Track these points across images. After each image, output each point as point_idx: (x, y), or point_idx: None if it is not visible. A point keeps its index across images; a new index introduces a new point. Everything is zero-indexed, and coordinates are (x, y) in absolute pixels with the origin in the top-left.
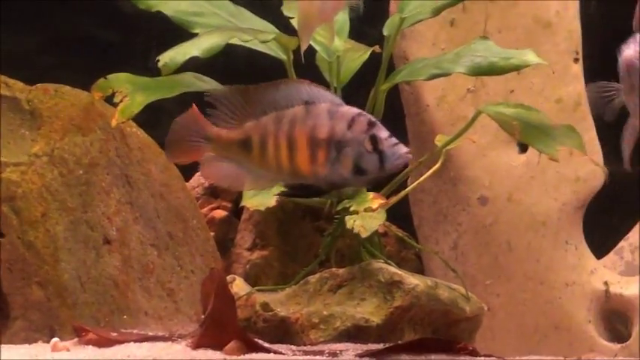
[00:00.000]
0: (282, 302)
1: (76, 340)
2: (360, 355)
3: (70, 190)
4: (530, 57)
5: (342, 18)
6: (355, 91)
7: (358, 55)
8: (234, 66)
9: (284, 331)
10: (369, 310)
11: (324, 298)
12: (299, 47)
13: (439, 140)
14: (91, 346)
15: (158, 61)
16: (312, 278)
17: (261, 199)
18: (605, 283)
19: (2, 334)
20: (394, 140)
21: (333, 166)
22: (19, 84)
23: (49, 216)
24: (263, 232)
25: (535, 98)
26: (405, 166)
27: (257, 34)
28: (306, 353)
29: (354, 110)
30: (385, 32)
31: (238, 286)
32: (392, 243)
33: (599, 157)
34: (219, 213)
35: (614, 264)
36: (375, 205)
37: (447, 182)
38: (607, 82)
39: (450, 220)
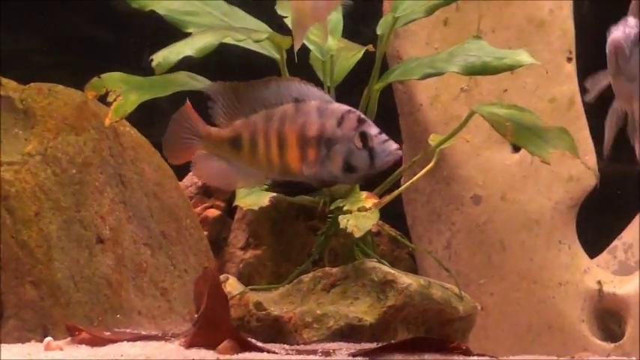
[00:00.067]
0: (275, 301)
1: (69, 339)
2: (354, 355)
3: (63, 189)
4: (523, 57)
5: (336, 17)
6: (349, 90)
7: (352, 54)
8: (228, 65)
9: (277, 331)
10: (362, 310)
11: (317, 297)
12: (292, 46)
13: (433, 139)
14: (84, 346)
15: (151, 60)
16: (306, 277)
17: (254, 198)
18: (599, 283)
19: None
20: (384, 137)
21: (324, 163)
22: (13, 83)
23: (43, 215)
24: (256, 232)
25: (528, 98)
26: (395, 162)
27: (250, 34)
28: (299, 352)
29: (344, 107)
30: (379, 31)
31: (232, 286)
32: (385, 242)
33: (592, 156)
34: (213, 212)
35: (607, 263)
36: (368, 204)
37: (441, 181)
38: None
39: (443, 219)
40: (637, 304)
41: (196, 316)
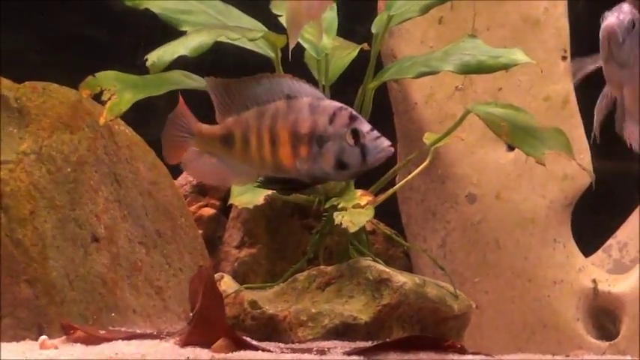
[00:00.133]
0: (270, 300)
1: (64, 337)
2: (349, 353)
3: (58, 187)
4: (519, 56)
5: (330, 16)
6: (343, 88)
7: (346, 52)
8: (223, 63)
9: (272, 329)
10: (357, 308)
11: (312, 295)
12: (287, 45)
13: (427, 138)
14: (79, 344)
15: (146, 60)
16: (301, 276)
17: (249, 197)
18: (594, 281)
19: None
20: (376, 134)
21: (315, 160)
22: (7, 82)
23: (38, 214)
24: (251, 230)
25: (523, 96)
26: (387, 159)
27: (245, 33)
28: (294, 351)
29: (336, 104)
30: (373, 30)
31: (226, 284)
32: (380, 241)
33: (587, 154)
34: (208, 211)
35: (602, 262)
36: (363, 201)
37: (436, 180)
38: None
39: (438, 217)
40: (632, 302)
41: (191, 314)
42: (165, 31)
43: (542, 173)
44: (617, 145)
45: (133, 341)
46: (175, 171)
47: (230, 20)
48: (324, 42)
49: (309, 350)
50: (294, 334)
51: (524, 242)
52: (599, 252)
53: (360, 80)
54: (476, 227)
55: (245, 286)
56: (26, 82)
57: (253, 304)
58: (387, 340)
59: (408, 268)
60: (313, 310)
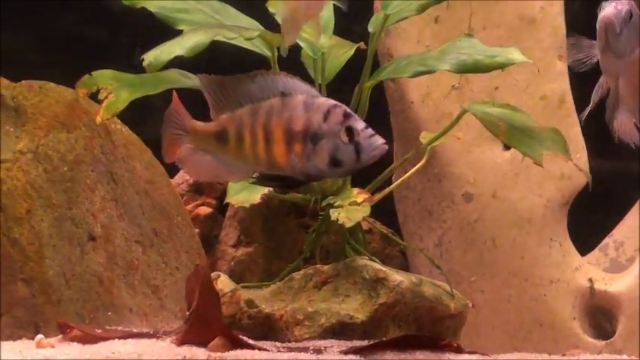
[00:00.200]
0: (266, 299)
1: (60, 336)
2: (345, 352)
3: (54, 186)
4: (515, 55)
5: (327, 15)
6: (340, 87)
7: (343, 51)
8: (220, 62)
9: (269, 328)
10: (353, 307)
11: (308, 294)
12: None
13: (424, 137)
14: (75, 343)
15: (142, 60)
16: (297, 275)
17: (245, 195)
18: (590, 280)
19: None
20: (370, 131)
21: (310, 157)
22: (4, 80)
23: (34, 213)
24: (248, 229)
25: (520, 95)
26: (382, 157)
27: (242, 32)
28: (290, 350)
29: (330, 102)
30: (370, 29)
31: (223, 283)
32: (376, 240)
33: (583, 153)
34: (204, 210)
35: (598, 261)
36: (359, 199)
37: (432, 179)
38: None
39: (434, 216)
40: (628, 301)
41: (188, 313)
42: (162, 30)
43: (538, 172)
44: (614, 144)
45: (130, 340)
46: (172, 170)
47: (226, 19)
48: (321, 41)
49: (305, 349)
50: (291, 333)
51: (520, 241)
52: (596, 251)
53: (356, 79)
54: (472, 226)
55: (241, 285)
56: (23, 81)
57: (250, 303)
58: (384, 339)
59: (405, 267)
60: (310, 309)
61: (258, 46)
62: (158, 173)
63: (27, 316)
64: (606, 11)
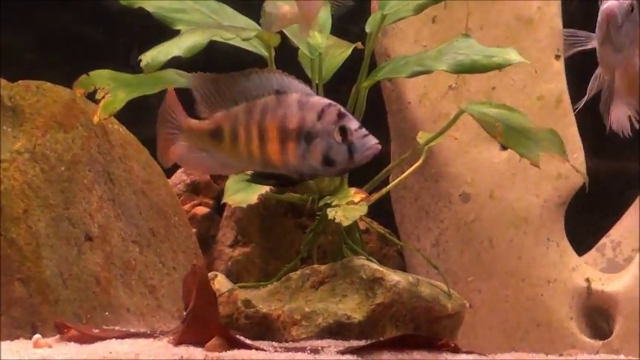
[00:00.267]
0: (263, 299)
1: (57, 336)
2: (342, 352)
3: (51, 186)
4: (512, 55)
5: (324, 15)
6: (337, 87)
7: (340, 51)
8: (217, 62)
9: (266, 328)
10: (350, 307)
11: (305, 294)
12: (280, 44)
13: (421, 137)
14: (72, 343)
15: (140, 60)
16: (294, 275)
17: (243, 196)
18: (587, 280)
19: None
20: (364, 131)
21: (303, 156)
22: (1, 81)
23: (31, 213)
24: (245, 229)
25: (517, 95)
26: (376, 157)
27: (239, 32)
28: (287, 350)
29: (324, 101)
30: (367, 29)
31: (220, 283)
32: (374, 240)
33: (580, 153)
34: (201, 210)
35: (595, 261)
36: (357, 199)
37: (429, 179)
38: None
39: (431, 216)
40: (625, 301)
41: (185, 313)
42: (160, 30)
43: (535, 172)
44: (611, 144)
45: (127, 340)
46: (169, 170)
47: (224, 19)
48: (318, 41)
49: (302, 349)
50: (288, 333)
51: (517, 241)
52: (593, 251)
53: (353, 79)
54: (469, 226)
55: (239, 285)
56: (20, 81)
57: (247, 303)
58: (381, 339)
59: (402, 267)
60: (307, 309)
61: (256, 46)
62: (155, 173)
63: (24, 316)
64: (609, 3)
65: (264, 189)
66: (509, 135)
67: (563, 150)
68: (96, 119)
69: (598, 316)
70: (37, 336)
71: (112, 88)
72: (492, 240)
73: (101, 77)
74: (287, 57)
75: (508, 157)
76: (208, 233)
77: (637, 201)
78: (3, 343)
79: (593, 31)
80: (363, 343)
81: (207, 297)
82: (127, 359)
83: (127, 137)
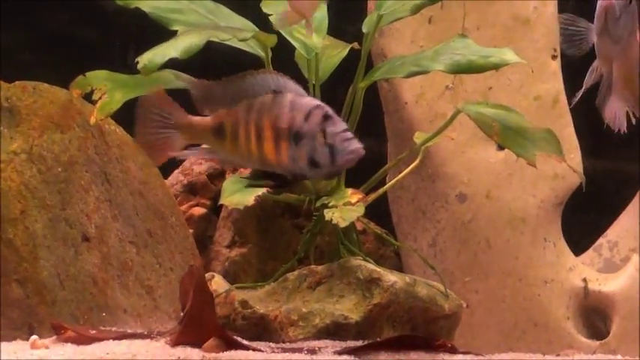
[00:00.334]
0: (261, 299)
1: (54, 337)
2: (339, 353)
3: (48, 187)
4: (509, 56)
5: (321, 15)
6: (334, 88)
7: (337, 51)
8: (213, 62)
9: (263, 329)
10: (347, 307)
11: (303, 295)
12: (277, 44)
13: (418, 137)
14: (69, 344)
15: (137, 62)
16: (291, 275)
17: (240, 197)
18: (584, 280)
19: None
20: (347, 135)
21: (293, 156)
22: None
23: (28, 213)
24: (242, 230)
25: (513, 95)
26: (357, 161)
27: (236, 33)
28: (284, 350)
29: (313, 102)
30: (364, 29)
31: (217, 284)
32: (370, 240)
33: (577, 153)
34: (198, 210)
35: (592, 261)
36: (354, 199)
37: (426, 179)
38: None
39: (428, 217)
40: (622, 301)
41: (182, 314)
42: (157, 30)
43: (532, 172)
44: (607, 144)
45: (124, 341)
46: (166, 170)
47: (220, 19)
48: (315, 41)
49: (299, 350)
50: (285, 333)
51: (514, 241)
52: (590, 251)
53: (350, 79)
54: (466, 226)
55: (236, 285)
56: (16, 82)
57: (244, 303)
58: (378, 339)
59: (399, 267)
60: (304, 310)
61: (252, 47)
62: (152, 174)
63: (21, 317)
64: None
65: (262, 190)
66: (506, 135)
67: (560, 150)
68: (93, 120)
69: (595, 316)
70: (34, 337)
71: (108, 89)
72: (489, 240)
73: (98, 78)
74: (284, 57)
75: (505, 157)
76: (205, 234)
77: (634, 201)
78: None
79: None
80: (360, 343)
81: (204, 298)
82: None
83: (123, 138)
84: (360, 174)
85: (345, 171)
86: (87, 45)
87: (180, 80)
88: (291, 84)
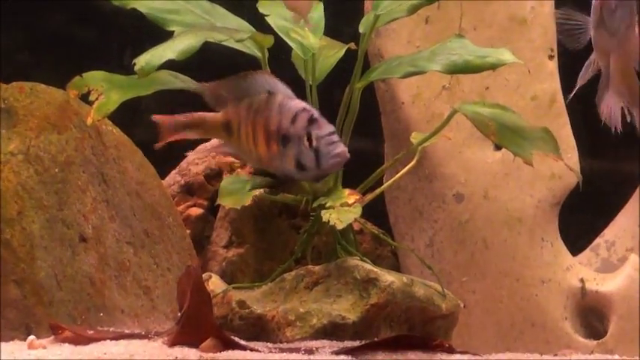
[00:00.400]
0: (258, 300)
1: (52, 338)
2: (337, 353)
3: (45, 188)
4: (506, 56)
5: (318, 15)
6: (330, 88)
7: (333, 52)
8: (210, 62)
9: (260, 329)
10: (345, 307)
11: (300, 295)
12: (274, 45)
13: (415, 137)
14: (67, 344)
15: (134, 64)
16: (288, 275)
17: (237, 198)
18: (581, 280)
19: None
20: (333, 138)
21: (282, 158)
22: None
23: (25, 214)
24: (239, 230)
25: (510, 95)
26: (342, 165)
27: (232, 34)
28: (282, 350)
29: (300, 105)
30: (360, 30)
31: (214, 284)
32: (368, 240)
33: (574, 153)
34: (195, 211)
35: (589, 261)
36: (351, 200)
37: (423, 179)
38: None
39: (425, 217)
40: (620, 301)
41: (179, 314)
42: (153, 30)
43: (529, 172)
44: (605, 144)
45: (121, 341)
46: (163, 171)
47: (216, 20)
48: (311, 41)
49: (297, 350)
50: (283, 333)
51: (511, 241)
52: (587, 251)
53: (347, 80)
54: (463, 226)
55: (233, 285)
56: (13, 83)
57: (241, 303)
58: (375, 339)
59: (396, 267)
60: (301, 310)
61: (249, 47)
62: (149, 174)
63: (19, 318)
64: None
65: (259, 190)
66: (503, 134)
67: (557, 148)
68: (90, 121)
69: (592, 316)
70: (31, 337)
71: (105, 90)
72: (486, 240)
73: (95, 79)
74: (280, 58)
75: (502, 157)
76: (202, 234)
77: (631, 200)
78: None
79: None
80: (357, 343)
81: (201, 298)
82: None
83: (120, 138)
84: (357, 174)
85: (342, 171)
86: (84, 45)
87: (178, 81)
88: (280, 85)
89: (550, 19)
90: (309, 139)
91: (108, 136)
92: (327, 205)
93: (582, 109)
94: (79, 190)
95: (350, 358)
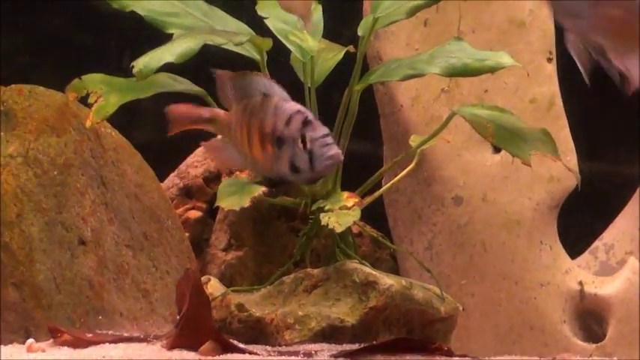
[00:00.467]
0: (257, 303)
1: (51, 341)
2: (335, 356)
3: (44, 190)
4: (505, 59)
5: (316, 18)
6: (329, 91)
7: (332, 55)
8: (208, 64)
9: (259, 332)
10: (344, 311)
11: (299, 298)
12: (273, 48)
13: (413, 140)
14: (66, 347)
15: (132, 67)
16: (287, 279)
17: (235, 199)
18: (580, 283)
19: None
20: (327, 140)
21: (276, 160)
22: None
23: (24, 217)
24: (238, 233)
25: (509, 98)
26: (335, 167)
27: (231, 37)
28: (281, 354)
29: (295, 107)
30: (359, 32)
31: (213, 287)
32: (366, 243)
33: (573, 155)
34: (194, 213)
35: (588, 264)
36: (350, 203)
37: (422, 182)
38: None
39: (424, 220)
40: (618, 304)
41: (178, 317)
42: (152, 33)
43: (528, 175)
44: (603, 146)
45: (120, 344)
46: (162, 174)
47: (215, 22)
48: (310, 44)
49: (296, 353)
50: (281, 336)
51: (510, 244)
52: (586, 254)
53: (346, 83)
54: (462, 229)
55: (232, 288)
56: (12, 85)
57: (240, 307)
58: (374, 342)
59: (395, 270)
60: (300, 313)
61: (248, 50)
62: (148, 177)
63: (17, 321)
64: None
65: (257, 192)
66: (501, 135)
67: (556, 150)
68: (88, 123)
69: (591, 319)
70: (30, 340)
71: (104, 92)
72: (485, 243)
73: (94, 81)
74: (279, 60)
75: (501, 160)
76: (201, 237)
77: (630, 203)
78: None
79: None
80: (356, 346)
81: (200, 301)
82: None
83: (119, 141)
84: (356, 177)
85: (340, 174)
86: (83, 48)
87: (177, 83)
88: (276, 87)
89: (549, 21)
90: (304, 141)
91: (107, 139)
92: (326, 208)
93: (581, 111)
94: (77, 192)
95: None
